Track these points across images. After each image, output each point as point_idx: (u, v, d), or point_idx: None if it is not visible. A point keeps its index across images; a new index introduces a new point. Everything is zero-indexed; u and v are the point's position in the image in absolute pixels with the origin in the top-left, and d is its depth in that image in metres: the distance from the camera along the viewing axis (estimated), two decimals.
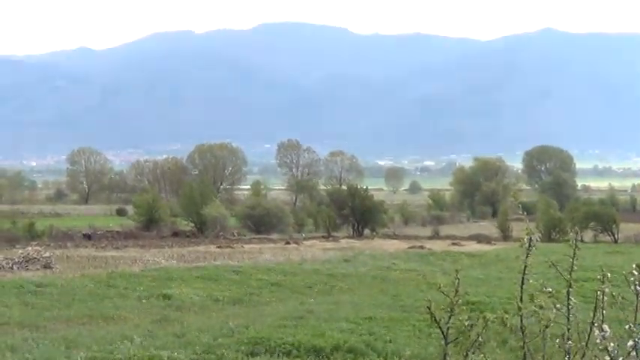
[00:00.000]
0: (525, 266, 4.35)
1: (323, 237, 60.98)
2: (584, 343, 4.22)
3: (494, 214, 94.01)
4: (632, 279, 4.25)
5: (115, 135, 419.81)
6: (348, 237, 62.39)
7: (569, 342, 4.23)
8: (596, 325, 4.19)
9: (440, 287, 4.36)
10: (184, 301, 19.38)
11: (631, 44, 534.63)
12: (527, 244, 4.35)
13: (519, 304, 4.24)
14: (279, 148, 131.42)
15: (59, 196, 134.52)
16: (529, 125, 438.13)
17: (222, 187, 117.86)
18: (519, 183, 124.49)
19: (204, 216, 66.56)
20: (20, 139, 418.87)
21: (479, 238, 57.93)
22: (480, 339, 4.24)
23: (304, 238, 57.20)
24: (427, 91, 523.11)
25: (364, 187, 78.47)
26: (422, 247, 42.93)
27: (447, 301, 4.30)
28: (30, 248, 31.13)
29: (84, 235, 56.30)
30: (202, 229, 65.97)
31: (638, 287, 4.24)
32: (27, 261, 28.16)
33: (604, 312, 4.22)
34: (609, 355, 4.08)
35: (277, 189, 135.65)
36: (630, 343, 4.14)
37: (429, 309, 4.29)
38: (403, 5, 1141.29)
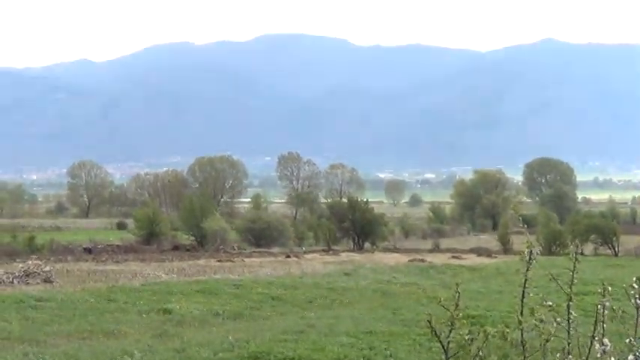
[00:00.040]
0: (526, 280, 4.35)
1: (323, 250, 60.78)
2: (584, 357, 4.22)
3: (494, 227, 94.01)
4: (632, 292, 4.25)
5: (115, 148, 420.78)
6: (349, 250, 62.20)
7: (570, 356, 4.23)
8: (596, 338, 4.19)
9: (440, 301, 4.35)
10: (184, 316, 19.31)
11: (632, 55, 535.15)
12: (527, 258, 4.35)
13: (520, 317, 4.24)
14: (280, 160, 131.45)
15: (60, 210, 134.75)
16: (529, 137, 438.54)
17: (222, 200, 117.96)
18: (520, 195, 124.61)
19: (205, 229, 66.49)
20: (20, 152, 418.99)
21: (479, 251, 57.75)
22: (481, 353, 4.23)
23: (305, 252, 57.00)
24: (428, 103, 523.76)
25: (365, 200, 78.34)
26: (422, 261, 42.84)
27: (447, 315, 4.29)
28: (30, 262, 31.02)
29: (84, 249, 56.18)
30: (203, 242, 65.89)
31: (638, 301, 4.25)
32: (27, 275, 28.05)
33: (604, 326, 4.22)
34: None
35: (277, 202, 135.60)
36: (631, 357, 4.14)
37: (430, 323, 4.28)
38: (403, 16, 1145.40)
